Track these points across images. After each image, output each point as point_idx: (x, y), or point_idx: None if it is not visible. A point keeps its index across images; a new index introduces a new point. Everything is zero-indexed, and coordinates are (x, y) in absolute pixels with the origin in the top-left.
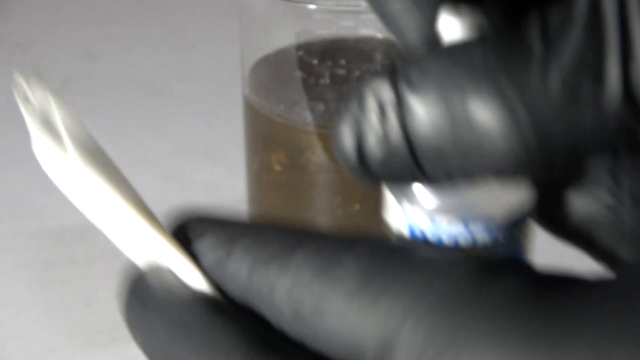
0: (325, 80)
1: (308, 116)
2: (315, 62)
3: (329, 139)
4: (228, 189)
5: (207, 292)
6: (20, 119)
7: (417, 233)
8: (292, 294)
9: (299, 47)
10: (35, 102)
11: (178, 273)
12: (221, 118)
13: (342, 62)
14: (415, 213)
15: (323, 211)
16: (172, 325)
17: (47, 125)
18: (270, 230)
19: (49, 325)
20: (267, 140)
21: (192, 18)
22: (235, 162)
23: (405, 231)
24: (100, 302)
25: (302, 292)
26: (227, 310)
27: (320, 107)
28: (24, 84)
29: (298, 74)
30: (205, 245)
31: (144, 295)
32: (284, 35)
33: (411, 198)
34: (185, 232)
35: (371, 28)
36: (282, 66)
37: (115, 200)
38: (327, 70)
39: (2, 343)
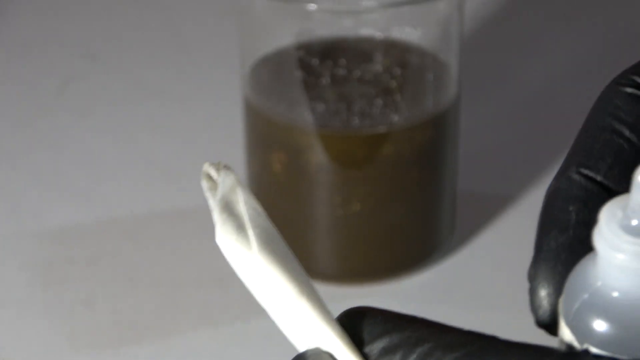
0: (325, 80)
1: (308, 116)
2: (315, 62)
3: (329, 139)
4: None
5: None
6: (20, 119)
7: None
8: None
9: (299, 47)
10: (221, 193)
11: (341, 359)
12: (221, 118)
13: (342, 62)
14: (594, 351)
15: (323, 211)
16: None
17: (232, 215)
18: (447, 334)
19: (49, 325)
20: (267, 140)
21: (192, 18)
22: (235, 162)
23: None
24: (100, 302)
25: None
26: None
27: (320, 107)
28: (213, 174)
29: (298, 74)
30: (380, 347)
31: None
32: (284, 35)
33: (593, 342)
34: (355, 325)
35: (371, 28)
36: (282, 66)
37: (289, 292)
38: (327, 70)
39: (2, 343)
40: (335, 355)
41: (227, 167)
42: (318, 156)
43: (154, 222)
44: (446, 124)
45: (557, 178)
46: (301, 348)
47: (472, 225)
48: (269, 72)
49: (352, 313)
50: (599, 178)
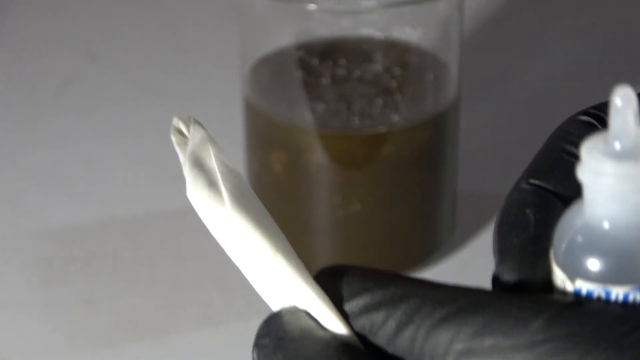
0: (325, 80)
1: (308, 116)
2: (315, 62)
3: (329, 139)
4: None
5: (347, 336)
6: (20, 119)
7: (584, 294)
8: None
9: (299, 47)
10: (191, 148)
11: (318, 317)
12: (221, 118)
13: (342, 62)
14: (587, 286)
15: (323, 211)
16: None
17: (203, 170)
18: (434, 290)
19: (49, 325)
20: (267, 140)
21: (192, 18)
22: (235, 162)
23: (571, 291)
24: (100, 302)
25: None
26: (366, 356)
27: (320, 107)
28: (183, 129)
29: (298, 74)
30: (360, 304)
31: (278, 331)
32: (284, 35)
33: (585, 275)
34: (334, 283)
35: (371, 28)
36: (282, 66)
37: (264, 250)
38: (327, 70)
39: (2, 343)
40: (313, 313)
41: (197, 122)
42: (318, 156)
43: (154, 222)
44: (446, 124)
45: (509, 194)
46: (276, 308)
47: (472, 225)
48: (269, 72)
49: (330, 271)
50: (550, 187)
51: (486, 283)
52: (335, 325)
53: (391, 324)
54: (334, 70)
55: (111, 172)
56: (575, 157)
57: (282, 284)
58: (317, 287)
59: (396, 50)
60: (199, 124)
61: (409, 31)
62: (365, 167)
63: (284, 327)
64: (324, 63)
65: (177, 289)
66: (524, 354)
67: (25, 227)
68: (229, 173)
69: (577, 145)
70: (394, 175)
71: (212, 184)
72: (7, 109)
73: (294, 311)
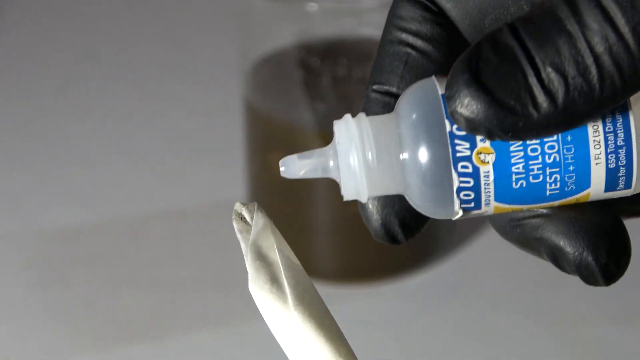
0: (326, 80)
1: (308, 116)
2: (316, 62)
3: (329, 139)
4: (227, 189)
5: None
6: (20, 119)
7: None
8: None
9: (299, 47)
10: (254, 238)
11: None
12: (221, 118)
13: (342, 62)
14: None
15: (323, 211)
16: None
17: (265, 263)
18: None
19: (49, 325)
20: (267, 140)
21: (192, 18)
22: (235, 162)
23: None
24: (100, 302)
25: None
26: None
27: (320, 107)
28: (246, 215)
29: (298, 74)
30: None
31: None
32: (284, 35)
33: None
34: None
35: (371, 28)
36: (282, 66)
37: (326, 353)
38: (327, 70)
39: (2, 343)
40: None
41: (260, 210)
42: None
43: (154, 222)
44: None
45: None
46: None
47: (472, 225)
48: (269, 72)
49: None
50: (394, 90)
51: (485, 282)
52: None
53: None
54: (334, 70)
55: (111, 172)
56: (412, 47)
57: None
58: None
59: None
60: (262, 211)
61: None
62: None
63: None
64: (324, 63)
65: (177, 289)
66: None
67: (25, 227)
68: (292, 267)
69: (411, 32)
70: None
71: (274, 280)
72: (7, 109)
73: None
